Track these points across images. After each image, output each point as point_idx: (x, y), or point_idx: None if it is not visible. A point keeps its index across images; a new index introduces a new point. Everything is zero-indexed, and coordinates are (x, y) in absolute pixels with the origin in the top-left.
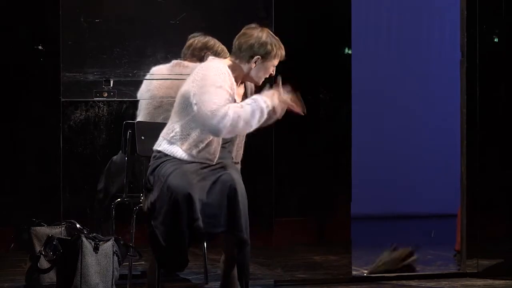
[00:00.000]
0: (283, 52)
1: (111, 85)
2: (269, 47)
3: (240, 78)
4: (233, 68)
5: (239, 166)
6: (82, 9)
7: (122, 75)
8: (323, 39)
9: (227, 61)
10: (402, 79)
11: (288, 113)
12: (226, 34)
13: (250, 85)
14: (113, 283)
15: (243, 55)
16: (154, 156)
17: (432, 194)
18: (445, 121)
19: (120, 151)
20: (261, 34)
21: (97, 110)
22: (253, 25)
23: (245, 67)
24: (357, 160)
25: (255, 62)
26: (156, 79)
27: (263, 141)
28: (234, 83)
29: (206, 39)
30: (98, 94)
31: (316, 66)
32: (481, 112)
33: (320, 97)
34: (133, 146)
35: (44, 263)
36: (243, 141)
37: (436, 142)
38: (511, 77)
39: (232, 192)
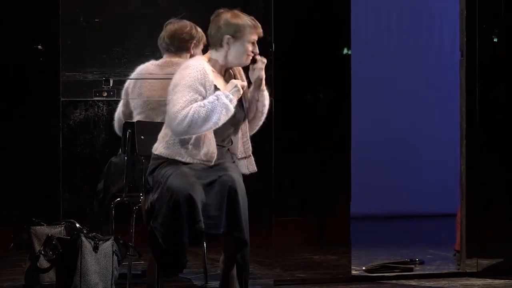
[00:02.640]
0: (259, 29)
1: (111, 85)
2: (235, 24)
3: (225, 67)
4: (213, 61)
5: (252, 159)
6: (82, 9)
7: (122, 75)
8: (323, 39)
9: (208, 55)
10: (401, 79)
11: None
12: None
13: (238, 70)
14: (113, 282)
15: (215, 41)
16: (153, 158)
17: (432, 194)
18: (445, 121)
19: (119, 152)
20: (227, 15)
21: (96, 109)
22: (220, 10)
23: (222, 52)
24: (356, 160)
25: (227, 43)
26: (149, 79)
27: (262, 140)
28: (211, 80)
29: (188, 27)
30: (97, 94)
31: (316, 66)
32: (481, 112)
33: (320, 97)
34: (132, 145)
35: (43, 263)
36: (248, 133)
37: (436, 142)
38: (511, 77)
39: (232, 193)
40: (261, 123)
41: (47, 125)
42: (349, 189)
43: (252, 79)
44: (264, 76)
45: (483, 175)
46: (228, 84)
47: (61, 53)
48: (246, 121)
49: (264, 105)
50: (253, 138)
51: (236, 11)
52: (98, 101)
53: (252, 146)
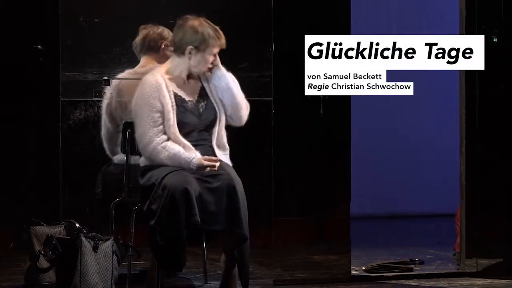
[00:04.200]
0: (222, 41)
1: (111, 85)
2: (200, 36)
3: (185, 72)
4: (172, 69)
5: (228, 155)
6: (82, 9)
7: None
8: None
9: (166, 65)
10: None
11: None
12: (226, 33)
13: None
14: (112, 282)
15: (178, 47)
16: (141, 167)
17: (432, 194)
18: (444, 121)
19: (112, 161)
20: (192, 23)
21: (96, 109)
22: (188, 16)
23: (184, 59)
24: (356, 160)
25: (190, 53)
26: (131, 79)
27: (262, 140)
28: (167, 90)
29: (160, 29)
30: (97, 94)
31: None
32: (481, 112)
33: (320, 97)
34: (132, 146)
35: (43, 263)
36: (223, 131)
37: (436, 142)
38: (511, 77)
39: (231, 190)
40: (241, 105)
41: (47, 125)
42: (349, 189)
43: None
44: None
45: (483, 175)
46: (201, 157)
47: (61, 53)
48: (219, 121)
49: (228, 81)
50: (253, 138)
51: (202, 20)
52: (98, 101)
53: (252, 146)
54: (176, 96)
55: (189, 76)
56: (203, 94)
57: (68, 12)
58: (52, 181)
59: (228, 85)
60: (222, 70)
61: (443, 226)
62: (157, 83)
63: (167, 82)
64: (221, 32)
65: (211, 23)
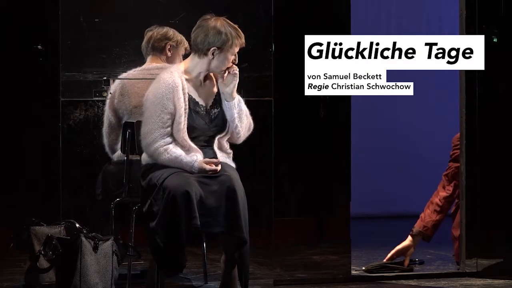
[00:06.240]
0: (242, 40)
1: (111, 85)
2: (223, 36)
3: (204, 73)
4: (190, 69)
5: (231, 159)
6: (82, 9)
7: (122, 75)
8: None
9: (185, 63)
10: None
11: None
12: None
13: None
14: (112, 282)
15: (200, 48)
16: (143, 166)
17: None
18: (444, 121)
19: (112, 160)
20: (214, 24)
21: (96, 109)
22: (207, 16)
23: (205, 60)
24: (356, 160)
25: (212, 54)
26: (148, 79)
27: (262, 140)
28: (183, 92)
29: (165, 29)
30: (97, 94)
31: None
32: (481, 112)
33: (320, 97)
34: (132, 145)
35: (43, 263)
36: (224, 141)
37: (435, 142)
38: (511, 77)
39: (231, 192)
40: (240, 134)
41: (47, 125)
42: (349, 189)
43: (223, 90)
44: (235, 88)
45: (483, 175)
46: (202, 160)
47: (61, 53)
48: (226, 131)
49: (233, 117)
50: (253, 138)
51: (223, 20)
52: (98, 101)
53: (252, 146)
54: (190, 99)
55: (206, 77)
56: (217, 100)
57: (68, 12)
58: (52, 181)
59: (232, 116)
60: (233, 101)
61: (443, 226)
62: (174, 83)
63: (184, 83)
64: (240, 31)
65: (230, 22)
